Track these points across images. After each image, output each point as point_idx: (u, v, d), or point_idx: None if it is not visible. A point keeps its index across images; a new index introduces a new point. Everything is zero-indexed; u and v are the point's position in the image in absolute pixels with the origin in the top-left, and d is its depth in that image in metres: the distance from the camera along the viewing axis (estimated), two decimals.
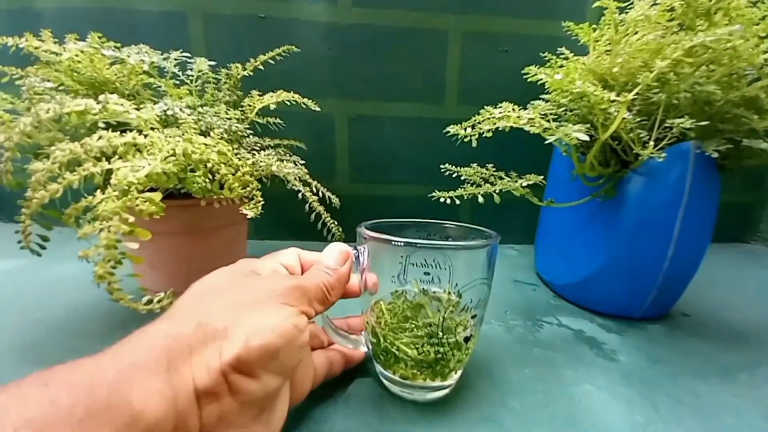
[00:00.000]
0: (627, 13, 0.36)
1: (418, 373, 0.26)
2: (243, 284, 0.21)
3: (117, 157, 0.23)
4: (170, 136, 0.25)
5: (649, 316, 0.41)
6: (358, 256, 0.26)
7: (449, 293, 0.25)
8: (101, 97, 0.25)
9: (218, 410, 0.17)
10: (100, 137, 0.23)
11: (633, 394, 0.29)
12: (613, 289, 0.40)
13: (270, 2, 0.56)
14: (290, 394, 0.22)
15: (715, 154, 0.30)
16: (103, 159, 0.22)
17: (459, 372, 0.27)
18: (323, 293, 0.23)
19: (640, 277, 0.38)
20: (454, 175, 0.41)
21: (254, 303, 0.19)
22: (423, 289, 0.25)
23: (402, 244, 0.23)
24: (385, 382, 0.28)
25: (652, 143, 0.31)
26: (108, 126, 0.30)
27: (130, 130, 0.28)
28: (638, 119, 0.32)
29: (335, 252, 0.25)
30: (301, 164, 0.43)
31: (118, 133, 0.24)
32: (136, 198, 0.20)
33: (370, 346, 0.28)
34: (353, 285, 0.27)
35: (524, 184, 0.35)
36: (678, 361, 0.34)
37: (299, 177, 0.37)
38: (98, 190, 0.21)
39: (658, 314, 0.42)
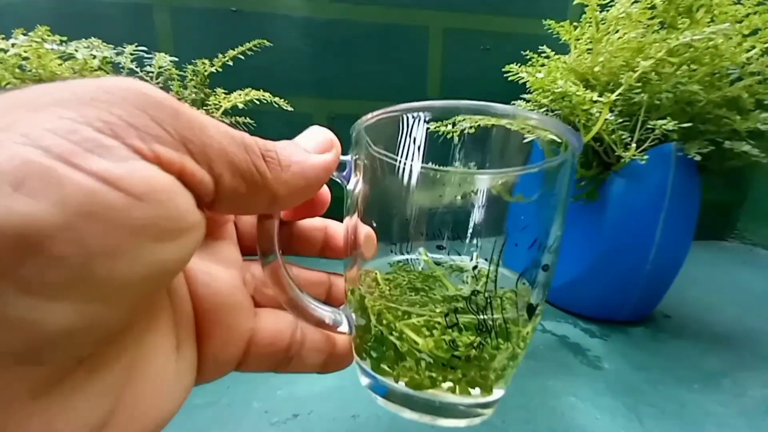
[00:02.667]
0: (608, 11, 0.35)
1: (440, 378, 0.15)
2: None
3: None
4: None
5: (631, 319, 0.40)
6: (348, 168, 0.16)
7: (476, 263, 0.15)
8: None
9: None
10: None
11: (617, 404, 0.28)
12: (595, 292, 0.39)
13: None
14: (198, 353, 0.13)
15: (698, 157, 0.29)
16: None
17: (509, 380, 0.17)
18: (249, 157, 0.11)
19: (623, 280, 0.38)
20: (438, 175, 0.40)
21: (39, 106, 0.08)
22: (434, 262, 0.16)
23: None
24: (380, 399, 0.16)
25: (634, 145, 0.30)
26: None
27: None
28: (620, 120, 0.31)
29: (316, 133, 0.15)
30: None
31: None
32: None
33: (353, 330, 0.17)
34: (315, 228, 0.17)
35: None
36: (661, 367, 0.33)
37: None
38: None
39: (641, 316, 0.41)
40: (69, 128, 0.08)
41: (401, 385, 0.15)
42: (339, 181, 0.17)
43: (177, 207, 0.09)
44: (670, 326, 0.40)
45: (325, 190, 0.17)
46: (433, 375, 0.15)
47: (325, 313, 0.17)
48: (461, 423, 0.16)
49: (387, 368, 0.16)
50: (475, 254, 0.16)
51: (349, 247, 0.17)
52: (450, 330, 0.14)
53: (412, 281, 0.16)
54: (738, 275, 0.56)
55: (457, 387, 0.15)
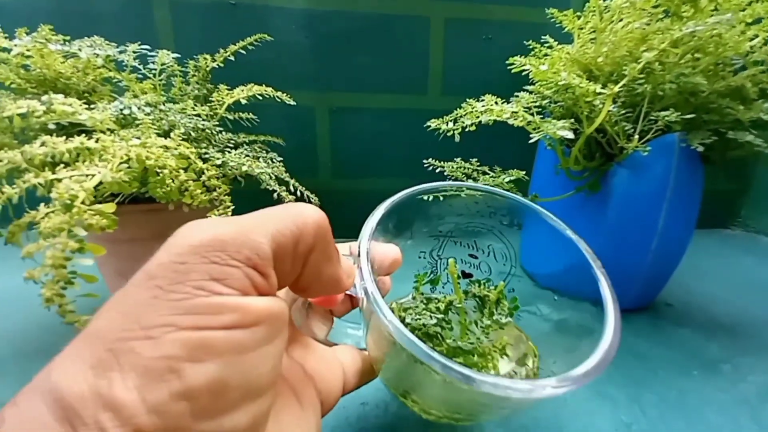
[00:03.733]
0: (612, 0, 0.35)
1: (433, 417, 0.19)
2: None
3: (63, 165, 0.20)
4: (125, 139, 0.23)
5: (633, 307, 0.41)
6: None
7: (498, 297, 0.18)
8: (44, 98, 0.22)
9: None
10: (43, 143, 0.21)
11: (618, 392, 0.29)
12: None
13: None
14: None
15: (701, 148, 0.29)
16: (47, 168, 0.20)
17: None
18: (293, 235, 0.14)
19: (625, 270, 0.38)
20: (438, 170, 0.40)
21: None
22: (462, 272, 0.19)
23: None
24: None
25: (636, 136, 0.30)
26: (62, 128, 0.28)
27: (87, 133, 0.26)
28: (623, 111, 0.31)
29: (347, 261, 0.18)
30: (279, 161, 0.41)
31: (64, 138, 0.21)
32: (84, 211, 0.19)
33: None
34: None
35: (507, 179, 0.34)
36: (662, 355, 0.34)
37: (275, 176, 0.35)
38: (43, 204, 0.19)
39: (643, 305, 0.42)
40: (190, 305, 0.11)
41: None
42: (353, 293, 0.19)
43: (277, 315, 0.13)
44: (671, 314, 0.41)
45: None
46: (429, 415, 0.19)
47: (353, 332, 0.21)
48: None
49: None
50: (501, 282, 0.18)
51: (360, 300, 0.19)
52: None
53: (427, 326, 0.19)
54: (741, 263, 0.56)
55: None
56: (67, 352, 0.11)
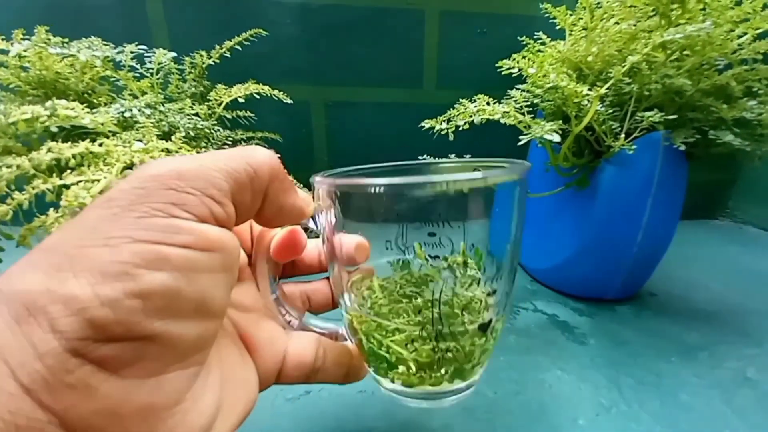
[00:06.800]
0: None
1: (427, 376, 0.18)
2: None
3: (69, 170, 0.21)
4: (128, 143, 0.24)
5: (618, 298, 0.43)
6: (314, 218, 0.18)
7: (464, 259, 0.18)
8: (48, 104, 0.23)
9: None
10: (49, 149, 0.21)
11: (599, 377, 0.31)
12: (585, 273, 0.41)
13: None
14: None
15: (683, 147, 0.30)
16: (54, 174, 0.21)
17: (485, 362, 0.20)
18: (243, 161, 0.14)
19: (611, 262, 0.39)
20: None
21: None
22: (429, 256, 0.18)
23: (382, 189, 0.16)
24: (383, 390, 0.20)
25: (623, 134, 0.32)
26: (64, 130, 0.28)
27: (89, 134, 0.27)
28: (610, 111, 0.32)
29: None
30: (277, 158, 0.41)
31: (70, 143, 0.22)
32: None
33: (350, 339, 0.21)
34: (309, 251, 0.20)
35: None
36: (642, 342, 0.35)
37: None
38: (52, 208, 0.20)
39: (628, 295, 0.43)
40: (147, 223, 0.12)
41: (398, 384, 0.19)
42: (312, 227, 0.19)
43: (229, 247, 0.14)
44: (654, 304, 0.43)
45: (303, 235, 0.20)
46: (422, 375, 0.18)
47: (330, 327, 0.21)
48: (451, 402, 0.19)
49: (384, 373, 0.19)
50: (461, 243, 0.18)
51: (331, 257, 0.19)
52: (428, 339, 0.17)
53: (404, 287, 0.19)
54: (725, 253, 0.58)
55: (443, 382, 0.18)
56: (21, 262, 0.11)
